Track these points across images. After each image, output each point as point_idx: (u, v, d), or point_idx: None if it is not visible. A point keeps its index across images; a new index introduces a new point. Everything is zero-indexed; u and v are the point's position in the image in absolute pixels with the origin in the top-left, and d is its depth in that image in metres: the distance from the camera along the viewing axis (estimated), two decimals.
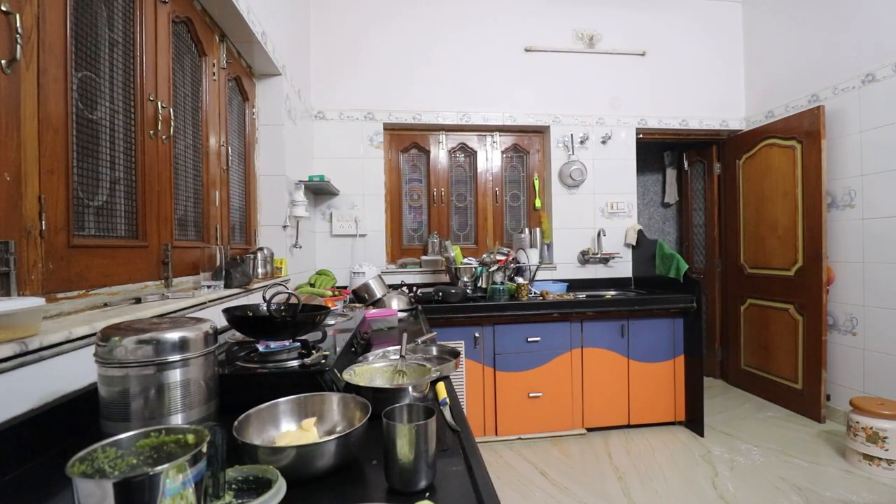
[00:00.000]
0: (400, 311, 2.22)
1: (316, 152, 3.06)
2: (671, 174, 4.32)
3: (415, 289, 2.69)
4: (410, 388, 0.85)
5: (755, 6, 3.43)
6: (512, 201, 3.46)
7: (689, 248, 4.14)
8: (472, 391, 2.59)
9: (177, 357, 0.68)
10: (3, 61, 0.78)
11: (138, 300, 1.14)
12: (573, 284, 3.21)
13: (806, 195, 2.93)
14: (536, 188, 3.41)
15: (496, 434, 2.63)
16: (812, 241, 2.88)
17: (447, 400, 0.88)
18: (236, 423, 0.63)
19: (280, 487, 0.53)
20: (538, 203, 3.41)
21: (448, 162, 3.36)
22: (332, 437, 0.60)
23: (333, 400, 0.75)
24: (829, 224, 2.84)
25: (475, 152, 3.38)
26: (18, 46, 0.81)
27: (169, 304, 1.13)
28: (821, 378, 2.82)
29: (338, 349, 1.04)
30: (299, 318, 0.98)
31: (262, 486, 0.54)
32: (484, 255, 3.00)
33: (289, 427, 0.71)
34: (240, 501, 0.52)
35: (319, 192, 2.94)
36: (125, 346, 0.65)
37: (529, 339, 2.62)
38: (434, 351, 1.30)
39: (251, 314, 1.05)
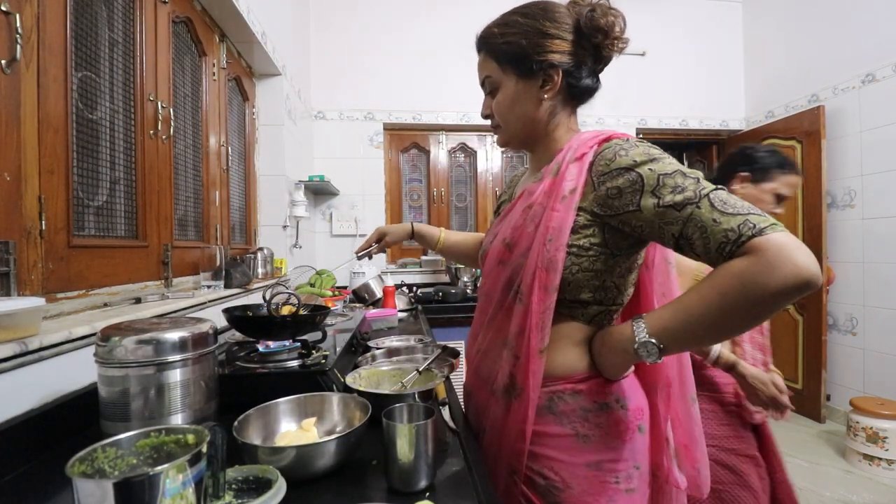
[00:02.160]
0: (400, 311, 2.22)
1: (316, 152, 3.07)
2: None
3: (415, 289, 2.69)
4: (416, 395, 0.84)
5: (755, 6, 3.43)
6: None
7: None
8: None
9: (177, 357, 0.68)
10: (3, 61, 0.78)
11: (138, 300, 1.14)
12: None
13: (806, 195, 2.93)
14: None
15: None
16: (812, 241, 2.88)
17: (447, 400, 0.88)
18: (236, 422, 0.63)
19: (280, 487, 0.53)
20: None
21: (448, 162, 3.36)
22: (332, 437, 0.60)
23: (333, 400, 0.75)
24: (829, 224, 2.84)
25: (475, 152, 3.38)
26: (18, 46, 0.81)
27: (169, 304, 1.13)
28: (821, 378, 2.82)
29: (338, 349, 1.04)
30: (299, 318, 0.98)
31: (263, 486, 0.54)
32: None
33: (289, 427, 0.71)
34: (240, 501, 0.52)
35: (319, 192, 2.94)
36: (125, 346, 0.65)
37: None
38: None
39: (251, 314, 1.05)
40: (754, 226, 0.55)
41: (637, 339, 0.63)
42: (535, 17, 0.74)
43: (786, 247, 0.53)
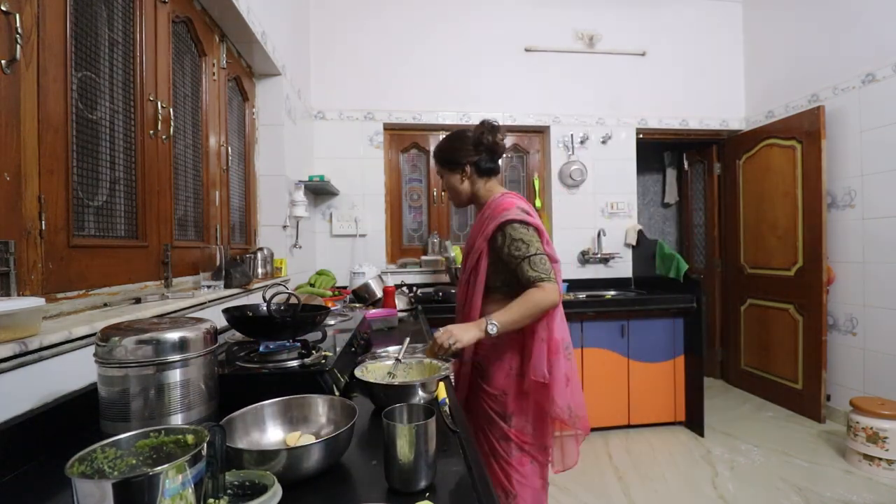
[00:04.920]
0: (400, 311, 2.22)
1: (316, 152, 3.06)
2: (671, 174, 4.32)
3: (415, 289, 2.69)
4: (420, 387, 0.85)
5: (755, 6, 3.42)
6: None
7: (689, 248, 4.14)
8: None
9: (177, 357, 0.68)
10: (3, 61, 0.78)
11: (138, 300, 1.14)
12: (573, 284, 3.21)
13: (806, 195, 2.93)
14: (536, 188, 3.41)
15: None
16: (812, 241, 2.88)
17: (447, 400, 0.88)
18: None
19: (276, 492, 0.52)
20: (538, 203, 3.41)
21: None
22: (318, 440, 0.60)
23: (319, 402, 0.75)
24: (829, 224, 2.84)
25: None
26: (18, 46, 0.81)
27: (169, 304, 1.13)
28: (821, 378, 2.82)
29: (338, 349, 1.04)
30: (299, 318, 0.98)
31: (258, 491, 0.53)
32: None
33: (274, 430, 0.71)
34: None
35: (319, 192, 2.94)
36: (125, 346, 0.65)
37: None
38: None
39: (251, 314, 1.05)
40: (539, 278, 1.20)
41: (487, 322, 1.19)
42: (453, 142, 1.41)
43: (550, 290, 1.20)
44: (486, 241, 1.28)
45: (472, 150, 1.35)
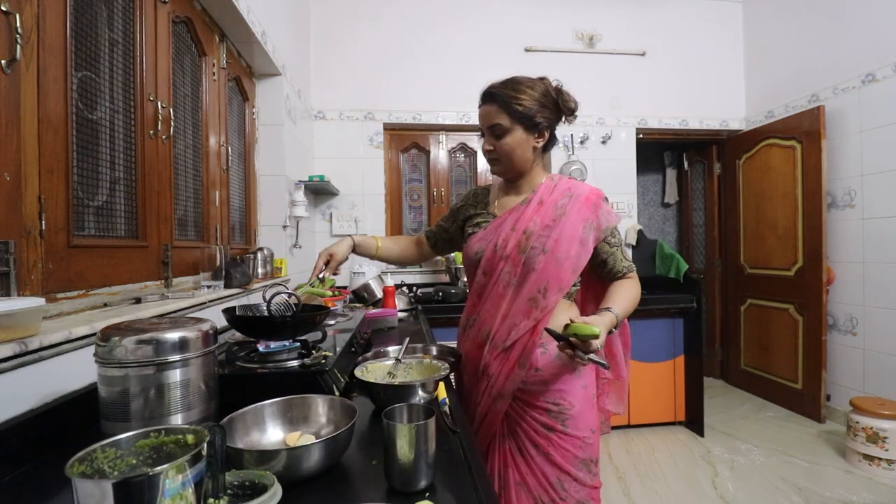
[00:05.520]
0: (400, 311, 2.21)
1: (316, 152, 3.06)
2: (671, 174, 4.32)
3: (415, 289, 2.69)
4: (420, 387, 0.86)
5: (755, 6, 3.42)
6: None
7: (689, 248, 4.14)
8: None
9: (177, 357, 0.68)
10: (3, 61, 0.78)
11: (138, 300, 1.14)
12: None
13: (806, 195, 2.93)
14: None
15: None
16: (812, 241, 2.88)
17: (447, 400, 0.88)
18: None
19: (276, 492, 0.52)
20: None
21: (448, 162, 3.36)
22: (318, 440, 0.60)
23: (319, 402, 0.75)
24: (829, 224, 2.84)
25: (475, 152, 3.38)
26: (18, 46, 0.81)
27: (169, 304, 1.13)
28: (821, 378, 2.82)
29: (338, 349, 1.04)
30: (299, 318, 0.98)
31: (259, 491, 0.53)
32: None
33: (274, 430, 0.71)
34: None
35: (319, 192, 2.94)
36: (125, 346, 0.65)
37: None
38: (434, 351, 1.30)
39: (251, 314, 1.05)
40: (631, 268, 1.14)
41: (611, 312, 1.02)
42: (539, 94, 1.08)
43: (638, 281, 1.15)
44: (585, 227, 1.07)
45: (551, 114, 1.09)
